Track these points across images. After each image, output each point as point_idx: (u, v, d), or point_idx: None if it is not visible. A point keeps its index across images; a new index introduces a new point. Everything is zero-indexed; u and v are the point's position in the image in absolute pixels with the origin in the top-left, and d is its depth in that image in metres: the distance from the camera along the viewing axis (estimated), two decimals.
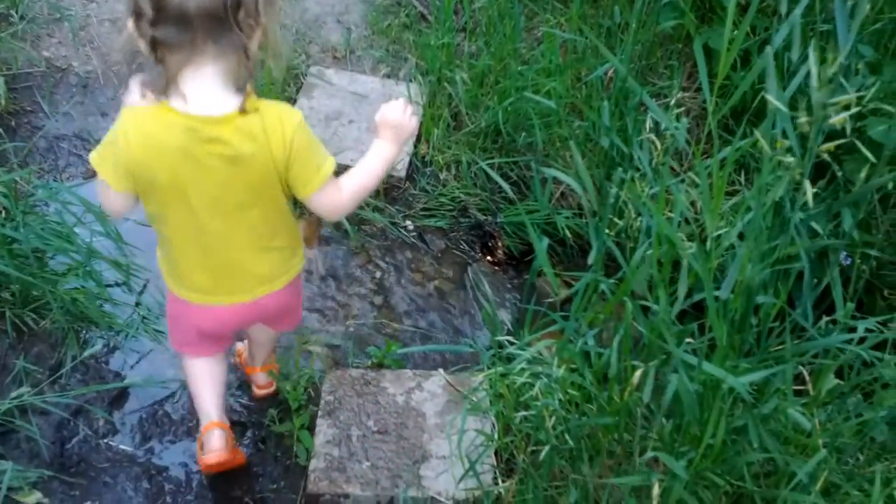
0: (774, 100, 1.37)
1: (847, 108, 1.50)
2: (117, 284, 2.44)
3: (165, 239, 1.80)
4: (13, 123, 2.85)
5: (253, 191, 1.66)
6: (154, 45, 1.50)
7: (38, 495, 2.05)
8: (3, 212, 2.34)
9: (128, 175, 1.62)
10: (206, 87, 1.55)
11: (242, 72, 1.55)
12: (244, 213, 1.70)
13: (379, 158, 1.79)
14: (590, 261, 1.85)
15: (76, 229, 2.35)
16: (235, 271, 1.80)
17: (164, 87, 1.54)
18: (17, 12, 3.06)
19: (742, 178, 2.49)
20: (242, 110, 1.57)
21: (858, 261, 2.14)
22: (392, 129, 1.79)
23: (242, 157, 1.60)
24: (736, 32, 1.70)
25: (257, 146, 1.59)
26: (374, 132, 1.83)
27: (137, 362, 2.37)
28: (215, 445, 2.00)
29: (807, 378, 1.89)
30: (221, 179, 1.62)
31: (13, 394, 2.14)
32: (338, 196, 1.73)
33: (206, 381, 2.04)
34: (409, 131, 1.81)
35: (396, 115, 1.79)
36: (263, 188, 1.67)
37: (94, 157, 1.66)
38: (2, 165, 2.62)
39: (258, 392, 2.33)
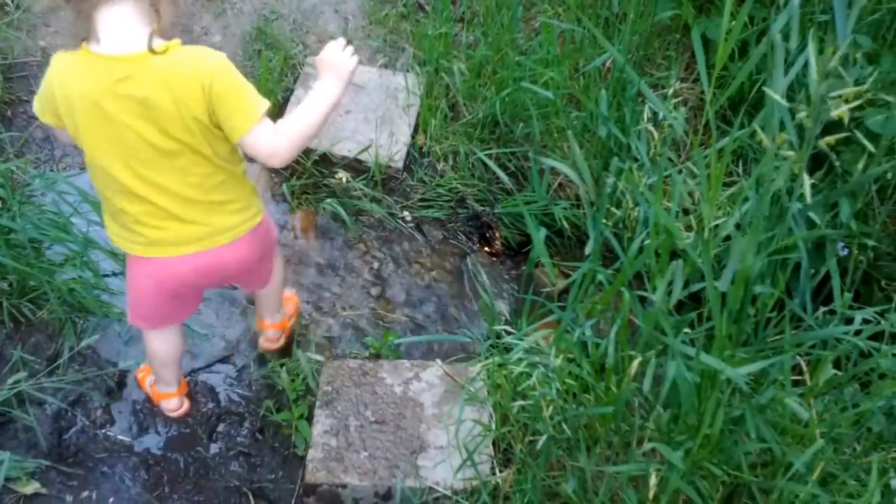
0: (773, 94, 1.36)
1: (847, 101, 1.50)
2: (114, 274, 2.43)
3: (101, 192, 1.77)
4: (9, 113, 2.84)
5: (171, 138, 1.63)
6: None
7: (35, 485, 2.05)
8: (0, 202, 2.33)
9: (57, 115, 1.69)
10: (118, 27, 1.58)
11: (153, 13, 1.60)
12: (170, 160, 1.67)
13: (320, 96, 1.73)
14: (587, 251, 1.85)
15: (73, 219, 2.34)
16: (181, 220, 1.75)
17: (85, 30, 1.60)
18: (13, 1, 3.04)
19: (739, 169, 2.49)
20: (151, 50, 1.57)
21: (856, 251, 2.15)
22: (331, 67, 1.75)
23: (152, 100, 1.59)
24: (734, 22, 1.70)
25: (167, 91, 1.58)
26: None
27: (134, 351, 2.37)
28: (173, 407, 2.24)
29: (804, 369, 1.90)
30: (135, 123, 1.61)
31: (10, 382, 2.14)
32: (273, 139, 1.66)
33: (165, 361, 2.14)
34: (349, 68, 1.76)
35: (334, 53, 1.76)
36: (183, 136, 1.63)
37: (35, 100, 1.75)
38: None
39: (265, 345, 2.34)
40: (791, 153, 1.39)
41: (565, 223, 2.68)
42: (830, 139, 1.41)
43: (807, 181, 1.40)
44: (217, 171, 1.73)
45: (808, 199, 1.38)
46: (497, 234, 2.82)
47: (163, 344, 2.10)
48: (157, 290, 1.90)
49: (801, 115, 1.33)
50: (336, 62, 1.75)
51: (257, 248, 1.92)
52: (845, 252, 2.21)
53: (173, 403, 2.25)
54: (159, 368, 2.17)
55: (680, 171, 1.97)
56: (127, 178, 1.69)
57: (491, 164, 2.60)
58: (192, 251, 1.80)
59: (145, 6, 1.59)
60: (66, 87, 1.63)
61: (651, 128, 2.22)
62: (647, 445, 1.72)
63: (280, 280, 2.24)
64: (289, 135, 1.69)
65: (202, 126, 1.63)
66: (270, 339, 2.36)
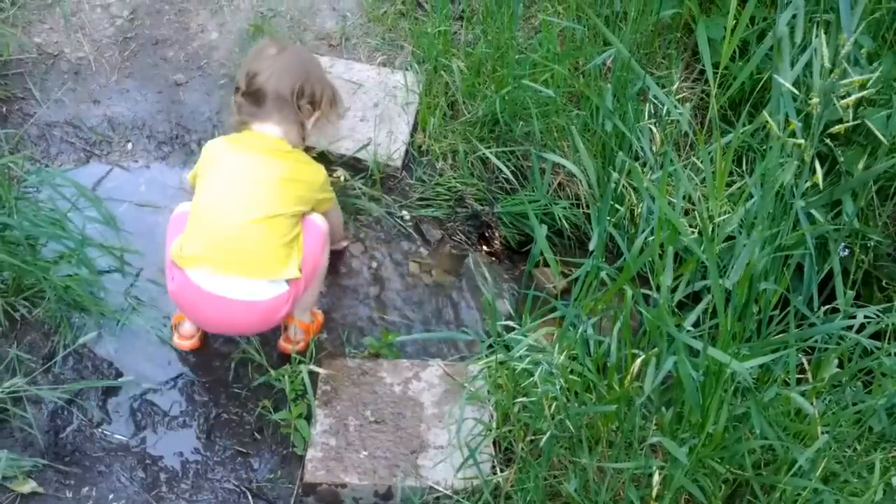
0: (782, 80, 1.36)
1: (852, 91, 1.50)
2: (109, 271, 2.41)
3: None
4: (4, 110, 2.81)
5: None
6: (239, 106, 2.27)
7: (32, 484, 2.03)
8: None
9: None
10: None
11: (294, 137, 2.29)
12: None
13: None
14: (591, 247, 1.84)
15: (69, 215, 2.32)
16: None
17: (238, 129, 2.31)
18: None
19: (741, 168, 2.49)
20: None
21: (857, 251, 2.15)
22: None
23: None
24: (737, 21, 1.70)
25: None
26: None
27: (130, 350, 2.35)
28: (186, 332, 2.35)
29: (806, 366, 1.89)
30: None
31: (6, 383, 2.12)
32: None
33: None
34: None
35: None
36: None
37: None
38: None
39: (284, 346, 2.36)
40: (800, 140, 1.38)
41: (565, 223, 2.67)
42: (840, 127, 1.41)
43: (819, 169, 1.39)
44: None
45: (821, 184, 1.37)
46: (496, 234, 2.81)
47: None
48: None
49: (813, 100, 1.32)
50: None
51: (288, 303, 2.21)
52: (846, 253, 2.22)
53: (185, 326, 2.34)
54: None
55: (685, 168, 1.96)
56: None
57: (493, 158, 2.59)
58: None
59: (288, 130, 2.29)
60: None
61: (653, 128, 2.22)
62: (652, 439, 1.71)
63: (319, 274, 2.32)
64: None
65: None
66: (290, 338, 2.35)
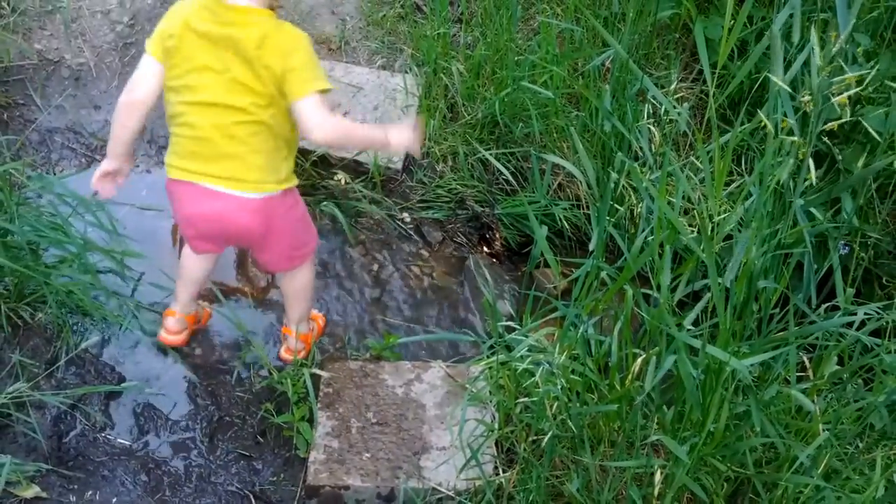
0: (777, 79, 1.36)
1: (849, 87, 1.50)
2: (111, 272, 2.42)
3: (177, 114, 1.98)
4: (5, 116, 2.82)
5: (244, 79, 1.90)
6: None
7: (35, 489, 2.04)
8: None
9: (159, 40, 1.95)
10: None
11: None
12: (227, 93, 1.92)
13: (376, 132, 2.09)
14: (591, 247, 1.85)
15: (70, 220, 2.33)
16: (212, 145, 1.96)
17: None
18: (8, 4, 3.02)
19: (740, 168, 2.49)
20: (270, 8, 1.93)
21: (857, 249, 2.15)
22: (400, 134, 2.05)
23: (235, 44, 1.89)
24: (734, 22, 1.70)
25: (253, 48, 1.88)
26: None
27: (132, 354, 2.36)
28: (172, 327, 2.31)
29: (807, 364, 1.90)
30: (218, 62, 1.90)
31: (10, 388, 2.12)
32: (322, 118, 1.92)
33: (184, 277, 2.28)
34: (403, 144, 2.07)
35: (409, 137, 2.06)
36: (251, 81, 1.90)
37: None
38: None
39: (284, 356, 2.36)
40: (795, 138, 1.39)
41: (565, 223, 2.68)
42: (833, 124, 1.41)
43: (812, 168, 1.40)
44: (256, 120, 1.94)
45: (815, 182, 1.38)
46: (497, 235, 2.82)
47: (190, 259, 2.24)
48: (185, 221, 2.10)
49: (806, 97, 1.33)
50: (403, 135, 2.05)
51: (263, 218, 2.04)
52: (846, 251, 2.22)
53: (170, 321, 2.32)
54: (178, 283, 2.30)
55: (683, 168, 1.97)
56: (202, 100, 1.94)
57: (493, 161, 2.59)
58: (202, 181, 1.97)
59: None
60: (178, 11, 1.95)
61: (652, 128, 2.22)
62: (653, 438, 1.71)
63: (304, 287, 2.28)
64: (336, 124, 1.99)
65: (273, 76, 1.89)
66: (290, 348, 2.34)
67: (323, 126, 1.92)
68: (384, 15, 3.16)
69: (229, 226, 2.04)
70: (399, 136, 2.05)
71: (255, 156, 1.96)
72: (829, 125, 1.45)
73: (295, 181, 2.10)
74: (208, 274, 2.31)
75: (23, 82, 2.91)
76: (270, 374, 2.30)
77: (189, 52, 1.92)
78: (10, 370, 2.18)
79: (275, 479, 2.18)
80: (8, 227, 2.19)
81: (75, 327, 2.35)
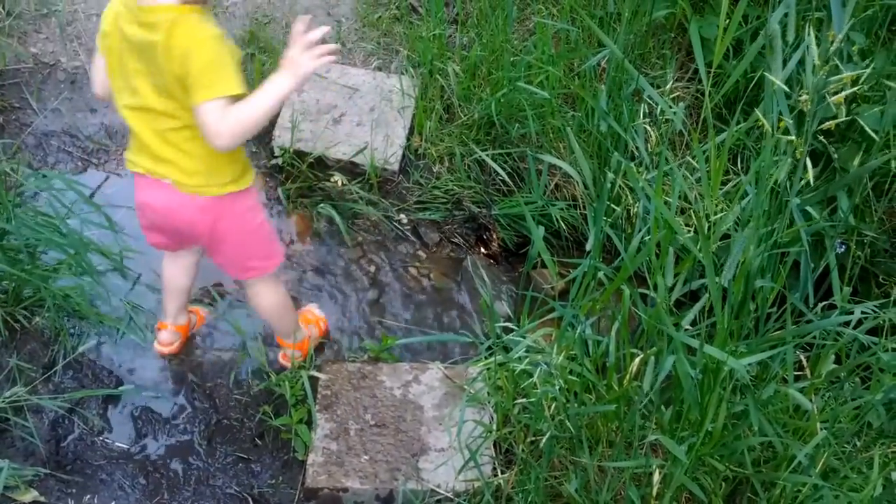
0: (773, 78, 1.37)
1: (845, 86, 1.51)
2: (110, 270, 2.42)
3: (122, 116, 1.90)
4: (1, 120, 2.82)
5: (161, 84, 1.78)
6: None
7: (34, 493, 2.03)
8: None
9: (100, 38, 1.87)
10: None
11: None
12: (157, 98, 1.81)
13: (269, 91, 1.78)
14: (588, 247, 1.85)
15: (68, 220, 2.32)
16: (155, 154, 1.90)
17: None
18: (3, 8, 3.02)
19: (735, 167, 2.49)
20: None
21: (854, 247, 2.15)
22: (291, 64, 1.79)
23: (153, 46, 1.74)
24: (729, 21, 1.70)
25: (167, 42, 1.73)
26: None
27: (129, 357, 2.35)
28: (165, 340, 2.34)
29: (804, 363, 1.90)
30: (144, 65, 1.79)
31: (7, 392, 2.12)
32: (218, 122, 1.73)
33: (168, 288, 2.28)
34: (306, 70, 1.79)
35: (297, 52, 1.78)
36: (168, 84, 1.77)
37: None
38: None
39: (281, 361, 2.36)
40: (792, 138, 1.39)
41: (562, 224, 2.68)
42: (831, 124, 1.41)
43: (809, 167, 1.40)
44: (187, 125, 1.82)
45: (811, 182, 1.38)
46: (494, 236, 2.81)
47: (169, 269, 2.25)
48: (139, 209, 2.03)
49: (803, 97, 1.33)
50: (296, 62, 1.78)
51: (208, 217, 1.96)
52: (842, 249, 2.22)
53: (163, 335, 2.34)
54: (164, 295, 2.31)
55: (679, 167, 1.97)
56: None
57: (490, 161, 2.59)
58: (146, 171, 1.92)
59: None
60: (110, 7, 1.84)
61: (648, 126, 2.22)
62: (651, 437, 1.72)
63: (272, 308, 2.24)
64: (232, 122, 1.74)
65: (179, 82, 1.75)
66: (285, 356, 2.35)
67: (220, 133, 1.75)
68: (380, 16, 3.16)
69: (175, 219, 1.98)
70: (294, 72, 1.78)
71: (192, 161, 1.88)
72: (827, 124, 1.45)
73: (247, 183, 1.98)
74: (190, 282, 2.30)
75: (19, 86, 2.91)
76: (268, 376, 2.30)
77: (119, 55, 1.82)
78: (7, 374, 2.18)
79: (273, 481, 2.18)
80: (5, 227, 2.19)
81: (72, 331, 2.35)
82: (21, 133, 2.80)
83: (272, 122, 2.85)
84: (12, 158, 2.69)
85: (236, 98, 1.75)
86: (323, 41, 1.82)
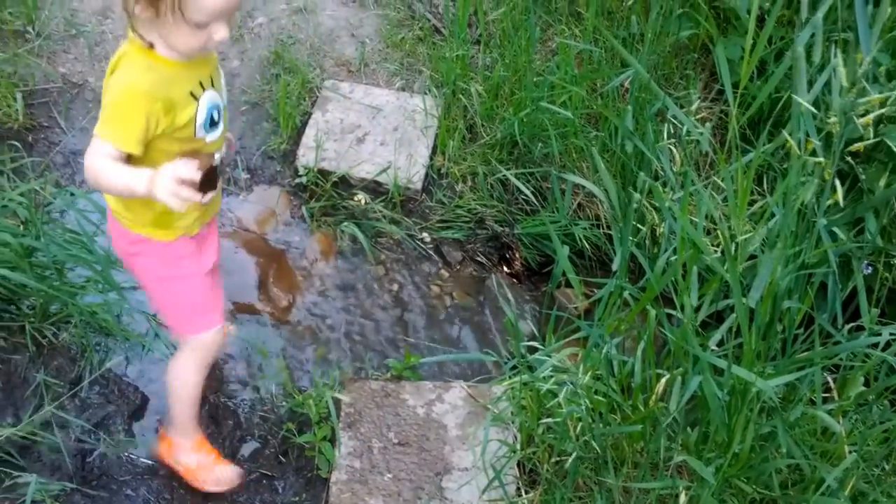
0: (801, 100, 1.37)
1: (871, 110, 1.51)
2: (135, 287, 2.44)
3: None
4: (30, 139, 2.86)
5: None
6: None
7: None
8: (22, 225, 2.34)
9: None
10: None
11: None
12: None
13: (128, 180, 1.62)
14: (614, 267, 1.85)
15: (95, 238, 2.35)
16: None
17: None
18: (33, 29, 3.08)
19: (761, 188, 2.48)
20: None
21: (881, 268, 2.14)
22: (156, 183, 1.58)
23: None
24: (755, 42, 1.71)
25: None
26: None
27: (155, 374, 2.37)
28: (232, 474, 2.15)
29: (832, 385, 1.89)
30: None
31: (34, 407, 2.14)
32: (88, 159, 1.65)
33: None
34: (159, 195, 1.58)
35: (169, 182, 1.57)
36: None
37: None
38: (20, 180, 2.63)
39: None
40: (820, 159, 1.39)
41: (586, 243, 2.68)
42: (860, 145, 1.41)
43: (839, 186, 1.40)
44: None
45: (841, 202, 1.37)
46: (517, 255, 2.82)
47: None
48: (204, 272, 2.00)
49: (832, 119, 1.33)
50: (157, 184, 1.58)
51: (123, 244, 1.94)
52: (868, 271, 2.21)
53: (230, 471, 2.15)
54: (195, 401, 2.08)
55: (706, 186, 1.97)
56: None
57: (514, 180, 2.60)
58: None
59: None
60: None
61: (672, 147, 2.23)
62: (678, 458, 1.71)
63: (176, 381, 2.06)
64: (94, 167, 1.65)
65: None
66: (164, 447, 2.16)
67: (84, 166, 1.67)
68: (403, 37, 3.19)
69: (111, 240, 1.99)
70: (151, 187, 1.58)
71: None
72: (856, 146, 1.45)
73: (165, 237, 1.87)
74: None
75: (47, 105, 2.95)
76: (292, 395, 2.30)
77: None
78: (34, 390, 2.20)
79: (297, 499, 2.18)
80: (34, 245, 2.22)
81: (98, 347, 2.37)
82: (50, 152, 2.84)
83: (296, 142, 2.88)
84: (41, 177, 2.72)
85: (126, 153, 1.65)
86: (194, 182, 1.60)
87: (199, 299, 1.99)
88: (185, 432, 2.12)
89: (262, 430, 2.29)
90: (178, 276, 1.95)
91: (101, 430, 2.21)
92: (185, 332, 2.02)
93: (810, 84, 1.71)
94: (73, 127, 2.91)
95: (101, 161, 1.64)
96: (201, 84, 1.75)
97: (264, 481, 2.21)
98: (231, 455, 2.24)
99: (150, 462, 2.20)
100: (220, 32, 1.64)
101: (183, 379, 2.05)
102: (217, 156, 1.81)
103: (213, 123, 1.79)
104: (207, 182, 1.65)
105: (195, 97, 1.73)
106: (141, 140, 1.66)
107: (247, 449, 2.26)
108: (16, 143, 2.77)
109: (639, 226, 2.08)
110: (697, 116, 2.32)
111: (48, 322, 2.30)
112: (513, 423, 2.15)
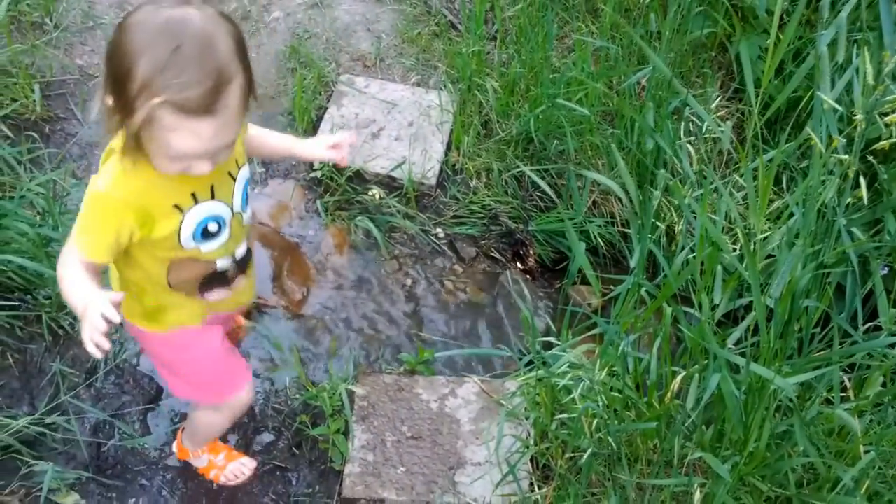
0: (825, 96, 1.37)
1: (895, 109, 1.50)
2: None
3: None
4: (47, 130, 2.87)
5: None
6: None
7: (75, 496, 2.06)
8: (39, 215, 2.36)
9: None
10: None
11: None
12: None
13: (76, 291, 1.51)
14: (632, 264, 1.85)
15: None
16: None
17: None
18: (51, 21, 3.09)
19: (779, 187, 2.48)
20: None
21: None
22: (87, 314, 1.44)
23: None
24: (777, 40, 1.71)
25: None
26: None
27: None
28: (249, 464, 2.19)
29: (848, 385, 1.88)
30: None
31: (50, 397, 2.15)
32: (61, 258, 1.59)
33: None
34: (84, 328, 1.45)
35: (93, 319, 1.42)
36: None
37: None
38: (37, 171, 2.64)
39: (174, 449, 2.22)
40: (844, 157, 1.39)
41: (600, 241, 2.68)
42: (885, 143, 1.41)
43: (863, 185, 1.39)
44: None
45: (865, 200, 1.37)
46: (531, 252, 2.82)
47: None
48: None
49: (857, 116, 1.32)
50: (85, 319, 1.44)
51: (132, 331, 1.85)
52: (885, 271, 2.20)
53: (243, 464, 2.18)
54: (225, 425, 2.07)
55: (726, 184, 1.96)
56: None
57: (532, 175, 2.59)
58: None
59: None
60: None
61: (689, 146, 2.23)
62: (694, 455, 1.71)
63: (195, 419, 2.06)
64: (60, 269, 1.57)
65: None
66: (181, 448, 2.17)
67: (58, 261, 1.60)
68: (419, 32, 3.19)
69: None
70: (82, 314, 1.46)
71: (115, 282, 1.76)
72: (881, 144, 1.44)
73: (158, 328, 1.78)
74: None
75: (64, 97, 2.96)
76: (305, 388, 2.31)
77: None
78: (50, 379, 2.21)
79: (310, 490, 2.19)
80: (51, 235, 2.23)
81: (114, 338, 2.38)
82: (66, 143, 2.85)
83: (312, 136, 2.88)
84: (58, 168, 2.73)
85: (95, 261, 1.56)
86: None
87: (213, 372, 1.91)
88: (199, 447, 2.14)
89: (276, 422, 2.30)
90: (185, 360, 1.86)
91: (116, 419, 2.22)
92: (212, 403, 1.96)
93: (833, 82, 1.71)
94: (90, 118, 2.92)
95: (65, 269, 1.56)
96: (194, 196, 1.58)
97: (278, 473, 2.21)
98: (245, 447, 2.25)
99: (164, 452, 2.21)
100: (200, 168, 1.49)
101: (209, 422, 2.03)
102: (222, 261, 1.71)
103: (207, 235, 1.64)
104: (206, 284, 1.66)
105: (180, 209, 1.57)
106: (112, 250, 1.56)
107: (260, 441, 2.27)
108: (33, 133, 2.78)
109: (657, 223, 2.08)
110: (716, 115, 2.31)
111: (64, 312, 2.31)
112: (527, 418, 2.15)
